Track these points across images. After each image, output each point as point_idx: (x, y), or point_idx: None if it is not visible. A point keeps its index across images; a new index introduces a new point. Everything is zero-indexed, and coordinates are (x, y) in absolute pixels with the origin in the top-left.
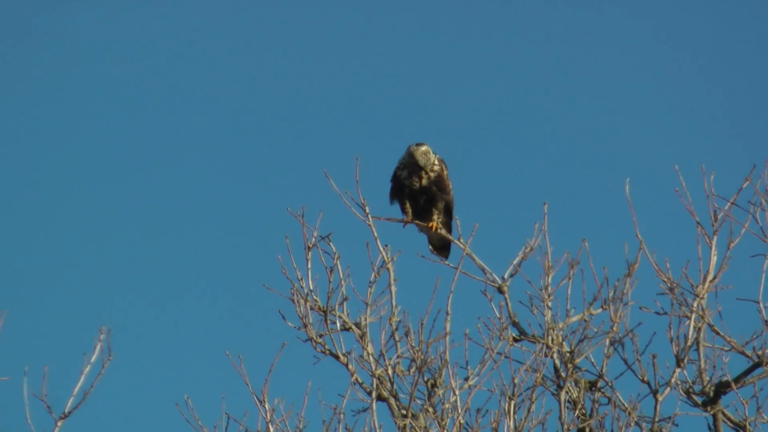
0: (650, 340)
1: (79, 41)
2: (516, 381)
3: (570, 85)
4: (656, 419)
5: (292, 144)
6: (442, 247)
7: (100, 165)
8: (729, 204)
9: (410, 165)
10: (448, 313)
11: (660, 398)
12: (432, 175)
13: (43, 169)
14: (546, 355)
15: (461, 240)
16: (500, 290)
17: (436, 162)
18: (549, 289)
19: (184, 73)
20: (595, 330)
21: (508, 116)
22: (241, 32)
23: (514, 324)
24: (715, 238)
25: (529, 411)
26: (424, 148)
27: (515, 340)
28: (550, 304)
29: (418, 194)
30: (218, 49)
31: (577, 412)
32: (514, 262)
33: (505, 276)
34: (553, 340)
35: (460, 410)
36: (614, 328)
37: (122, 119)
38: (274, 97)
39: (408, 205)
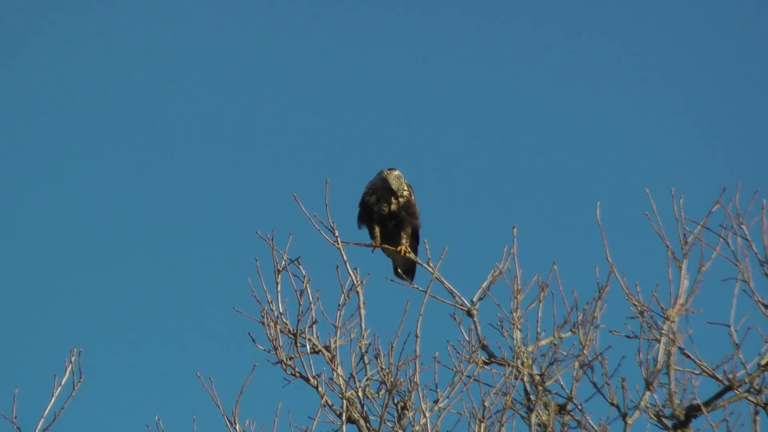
0: (619, 363)
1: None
2: (486, 404)
3: (540, 107)
4: None
5: (262, 167)
6: (407, 271)
7: (66, 185)
8: (699, 227)
9: (381, 190)
10: (417, 336)
11: (629, 421)
12: (401, 200)
13: (7, 186)
14: (516, 378)
15: (430, 263)
16: (469, 314)
17: (406, 187)
18: (518, 312)
19: (151, 95)
20: (565, 353)
21: (478, 138)
22: (204, 54)
23: (483, 347)
24: (686, 261)
25: None
26: (396, 172)
27: (485, 363)
28: (519, 326)
29: (386, 219)
30: (185, 70)
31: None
32: (483, 285)
33: (474, 299)
34: (522, 363)
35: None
36: (584, 352)
37: (88, 142)
38: (242, 119)
39: (377, 229)
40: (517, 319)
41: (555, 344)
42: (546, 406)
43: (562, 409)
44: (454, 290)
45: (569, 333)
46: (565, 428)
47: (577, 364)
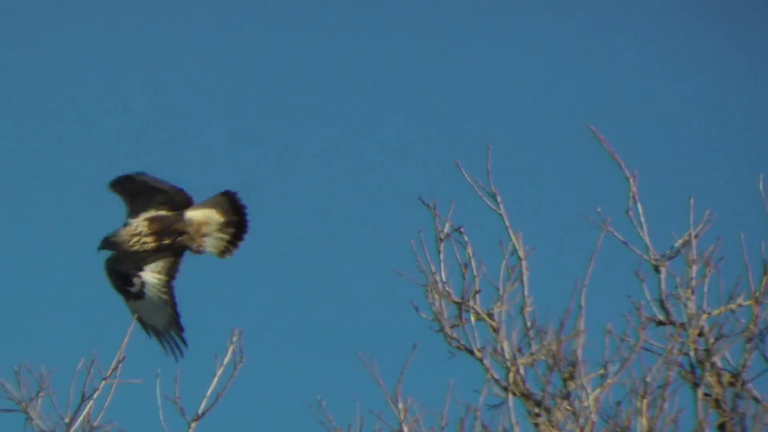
0: None
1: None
2: (651, 375)
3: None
4: None
5: (423, 135)
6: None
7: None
8: None
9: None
10: (581, 307)
11: None
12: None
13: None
14: (683, 349)
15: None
16: (657, 269)
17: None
18: (693, 281)
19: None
20: (734, 325)
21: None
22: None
23: (663, 306)
24: None
25: (660, 409)
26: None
27: (659, 323)
28: (692, 297)
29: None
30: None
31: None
32: (679, 242)
33: (667, 253)
34: (688, 336)
35: (592, 406)
36: (754, 324)
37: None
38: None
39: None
40: (690, 288)
41: (733, 310)
42: (719, 376)
43: (733, 381)
44: (647, 239)
45: (749, 301)
46: (736, 401)
47: (746, 338)
